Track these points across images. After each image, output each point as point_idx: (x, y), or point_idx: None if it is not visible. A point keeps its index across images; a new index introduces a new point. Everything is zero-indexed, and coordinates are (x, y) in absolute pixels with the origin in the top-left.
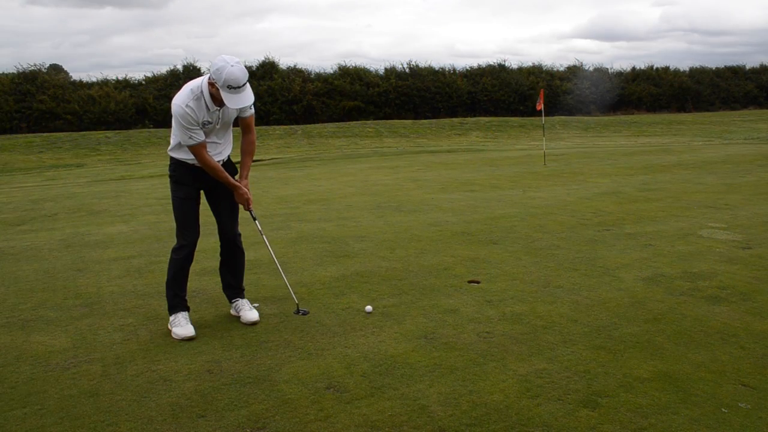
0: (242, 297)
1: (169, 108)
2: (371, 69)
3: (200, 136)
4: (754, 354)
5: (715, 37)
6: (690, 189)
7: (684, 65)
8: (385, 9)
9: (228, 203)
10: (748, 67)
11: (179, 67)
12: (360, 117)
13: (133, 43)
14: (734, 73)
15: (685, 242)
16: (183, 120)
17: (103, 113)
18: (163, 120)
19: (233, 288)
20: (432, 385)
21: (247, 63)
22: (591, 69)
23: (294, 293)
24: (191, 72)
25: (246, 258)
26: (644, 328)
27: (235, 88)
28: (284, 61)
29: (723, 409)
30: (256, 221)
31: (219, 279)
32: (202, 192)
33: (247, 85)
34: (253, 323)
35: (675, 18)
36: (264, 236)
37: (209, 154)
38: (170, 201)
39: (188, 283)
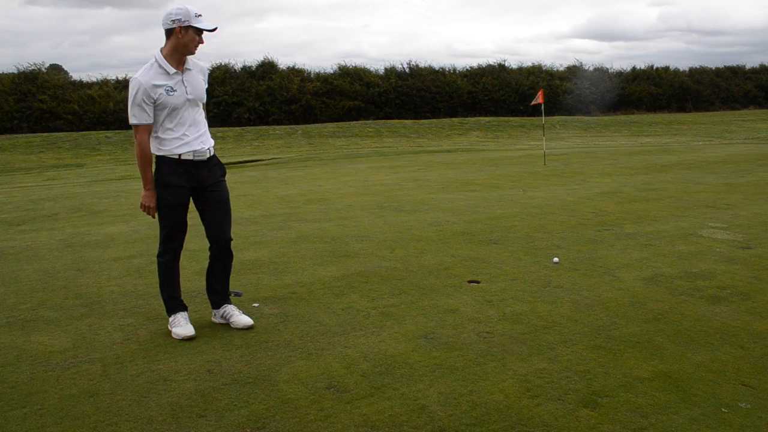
0: (230, 302)
1: None
2: (371, 69)
3: (144, 119)
4: (754, 354)
5: (713, 37)
6: (690, 189)
7: (683, 65)
8: (384, 9)
9: (222, 205)
10: (747, 67)
11: None
12: (360, 117)
13: (132, 43)
14: (734, 73)
15: (685, 242)
16: (133, 91)
17: (103, 113)
18: None
19: (219, 294)
20: (432, 385)
21: (246, 63)
22: (591, 69)
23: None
24: None
25: (245, 258)
26: (644, 328)
27: (198, 15)
28: (283, 61)
29: (723, 409)
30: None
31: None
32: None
33: (200, 19)
34: (248, 327)
35: (672, 18)
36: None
37: (191, 136)
38: None
39: (189, 284)
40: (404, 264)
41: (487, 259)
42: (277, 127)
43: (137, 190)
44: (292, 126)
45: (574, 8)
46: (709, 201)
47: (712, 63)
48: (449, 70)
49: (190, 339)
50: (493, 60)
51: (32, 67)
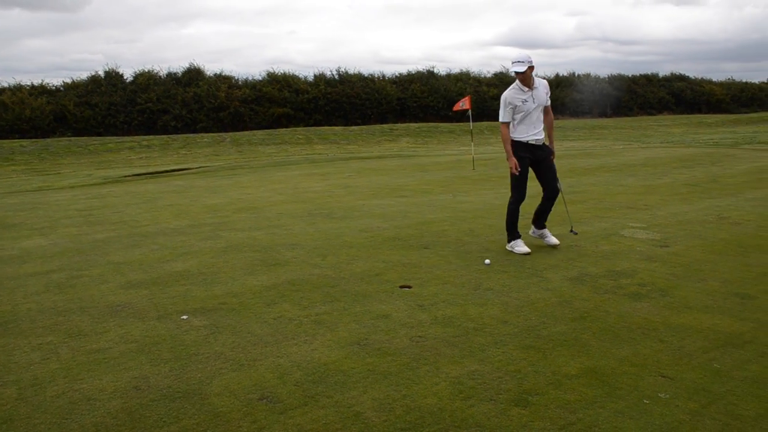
0: (545, 228)
1: (91, 116)
2: (300, 75)
3: (505, 117)
4: (672, 346)
5: (627, 46)
6: (612, 191)
7: (601, 72)
8: (310, 15)
9: (551, 171)
10: (660, 75)
11: (101, 73)
12: (290, 124)
13: (47, 47)
14: (649, 80)
15: (608, 242)
16: (503, 101)
17: (16, 120)
18: (84, 128)
19: (542, 221)
20: (366, 392)
21: (171, 69)
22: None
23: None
24: (114, 78)
25: (173, 270)
26: (571, 327)
27: (514, 62)
28: (210, 68)
29: (645, 401)
30: (559, 183)
31: (145, 293)
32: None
33: (520, 64)
34: (554, 246)
35: (589, 28)
36: (561, 193)
37: (529, 134)
38: (92, 213)
39: (123, 295)
40: (336, 271)
41: (419, 264)
42: (204, 134)
43: (56, 202)
44: (221, 134)
45: (496, 17)
46: (629, 202)
47: (628, 71)
48: (378, 76)
49: (527, 254)
50: (420, 66)
51: None
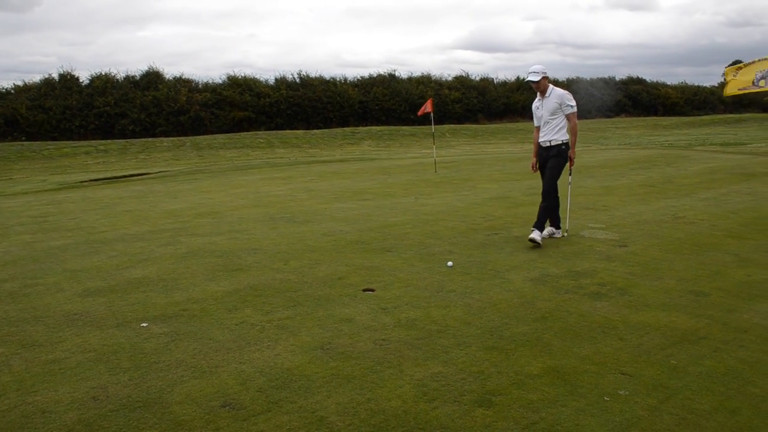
0: (535, 227)
1: (45, 120)
2: (261, 79)
3: (535, 122)
4: (631, 344)
5: (584, 50)
6: (572, 192)
7: (560, 76)
8: (270, 18)
9: (548, 171)
10: (618, 79)
11: (55, 75)
12: (251, 128)
13: None
14: (606, 83)
15: (568, 243)
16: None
17: None
18: (38, 133)
19: (537, 220)
20: (330, 396)
21: (129, 72)
22: (477, 79)
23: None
24: (68, 81)
25: (132, 276)
26: (533, 327)
27: (530, 72)
28: (169, 71)
29: (605, 398)
30: (570, 176)
31: (103, 301)
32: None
33: (535, 74)
34: (531, 241)
35: (547, 32)
36: (570, 186)
37: (541, 137)
38: (47, 220)
39: (80, 303)
40: (298, 275)
41: (382, 267)
42: (164, 139)
43: (8, 208)
44: (181, 138)
45: (456, 20)
46: (589, 203)
47: (587, 74)
48: (340, 80)
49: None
50: (382, 70)
51: None
